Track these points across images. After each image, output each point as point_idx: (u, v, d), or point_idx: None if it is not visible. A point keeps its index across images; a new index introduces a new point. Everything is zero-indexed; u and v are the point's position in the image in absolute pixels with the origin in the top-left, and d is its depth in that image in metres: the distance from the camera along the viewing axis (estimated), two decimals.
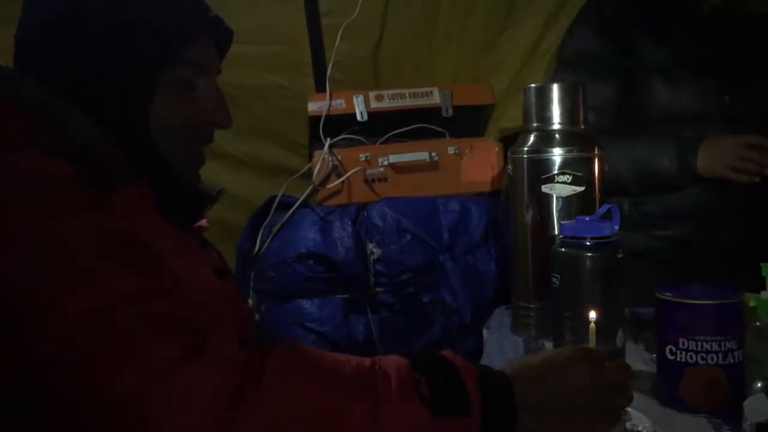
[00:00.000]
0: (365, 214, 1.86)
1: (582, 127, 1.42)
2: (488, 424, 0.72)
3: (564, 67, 1.76)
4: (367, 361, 0.74)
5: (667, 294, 1.04)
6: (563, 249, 1.19)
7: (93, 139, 0.85)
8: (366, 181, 1.91)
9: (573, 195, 1.38)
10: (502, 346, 1.39)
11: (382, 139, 1.97)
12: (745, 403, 0.83)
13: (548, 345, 1.29)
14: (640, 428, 0.92)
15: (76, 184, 0.74)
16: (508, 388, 0.75)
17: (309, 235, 1.82)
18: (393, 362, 0.74)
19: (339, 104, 1.97)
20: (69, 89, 0.87)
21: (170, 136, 0.91)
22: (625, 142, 1.67)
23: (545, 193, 1.39)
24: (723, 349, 0.98)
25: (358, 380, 0.71)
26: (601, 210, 1.22)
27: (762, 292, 1.05)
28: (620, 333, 1.16)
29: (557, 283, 1.19)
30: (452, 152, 1.92)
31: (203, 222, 1.08)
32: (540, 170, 1.40)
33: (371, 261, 1.81)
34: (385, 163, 1.91)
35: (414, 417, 0.70)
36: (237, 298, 1.02)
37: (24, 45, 0.91)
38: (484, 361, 1.32)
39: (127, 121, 0.89)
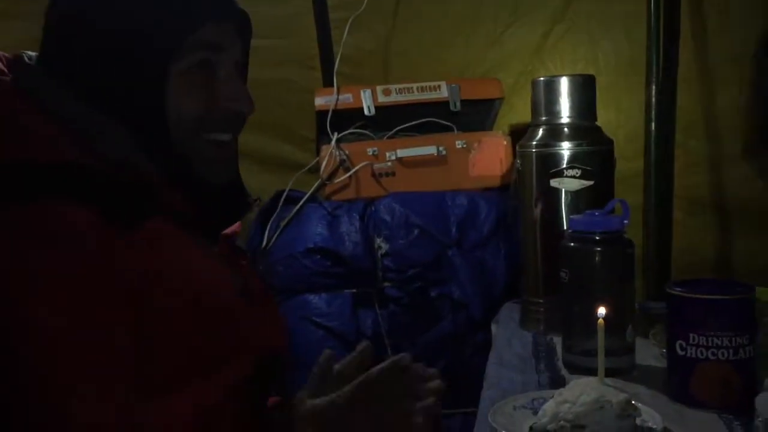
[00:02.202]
0: (373, 208, 1.85)
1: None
2: None
3: None
4: None
5: (678, 289, 1.03)
6: (572, 244, 1.18)
7: (124, 150, 0.85)
8: (374, 175, 1.90)
9: (582, 189, 1.37)
10: (511, 341, 1.39)
11: (389, 134, 1.96)
12: (757, 399, 0.82)
13: (557, 340, 1.29)
14: (650, 424, 0.91)
15: (93, 247, 0.76)
16: None
17: (317, 230, 1.82)
18: None
19: (346, 98, 1.96)
20: (89, 89, 0.86)
21: (186, 127, 0.88)
22: None
23: (554, 187, 1.38)
24: (734, 344, 0.98)
25: None
26: (611, 204, 1.22)
27: None
28: (630, 328, 1.16)
29: (566, 278, 1.18)
30: (460, 146, 1.91)
31: (235, 227, 1.05)
32: (549, 164, 1.39)
33: (379, 256, 1.80)
34: (393, 157, 1.90)
35: None
36: (266, 316, 0.99)
37: (43, 48, 0.90)
38: (492, 356, 1.32)
39: (145, 120, 0.87)
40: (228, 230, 1.02)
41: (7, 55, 0.92)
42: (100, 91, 0.86)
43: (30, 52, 0.91)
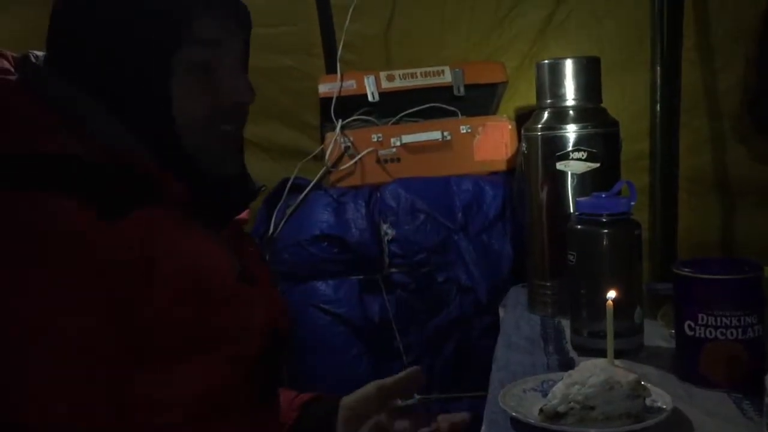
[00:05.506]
0: (378, 195, 1.86)
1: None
2: None
3: None
4: None
5: (685, 269, 1.03)
6: (579, 226, 1.18)
7: (121, 141, 0.86)
8: (379, 161, 1.90)
9: (588, 171, 1.37)
10: (519, 324, 1.39)
11: (393, 120, 1.96)
12: (767, 377, 0.82)
13: (565, 323, 1.29)
14: (660, 404, 0.91)
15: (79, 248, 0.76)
16: None
17: (323, 217, 1.82)
18: None
19: (350, 85, 1.96)
20: (92, 85, 0.87)
21: (194, 124, 0.90)
22: None
23: (560, 170, 1.38)
24: (743, 323, 0.98)
25: None
26: (617, 186, 1.22)
27: None
28: (638, 310, 1.16)
29: (573, 260, 1.18)
30: (465, 131, 1.91)
31: (244, 214, 1.07)
32: (554, 147, 1.38)
33: (385, 242, 1.81)
34: (398, 143, 1.90)
35: None
36: (268, 299, 1.00)
37: (49, 42, 0.92)
38: (501, 339, 1.32)
39: (149, 115, 0.88)
40: (237, 217, 1.03)
41: (15, 54, 0.93)
42: (105, 85, 0.87)
43: (37, 52, 0.93)
